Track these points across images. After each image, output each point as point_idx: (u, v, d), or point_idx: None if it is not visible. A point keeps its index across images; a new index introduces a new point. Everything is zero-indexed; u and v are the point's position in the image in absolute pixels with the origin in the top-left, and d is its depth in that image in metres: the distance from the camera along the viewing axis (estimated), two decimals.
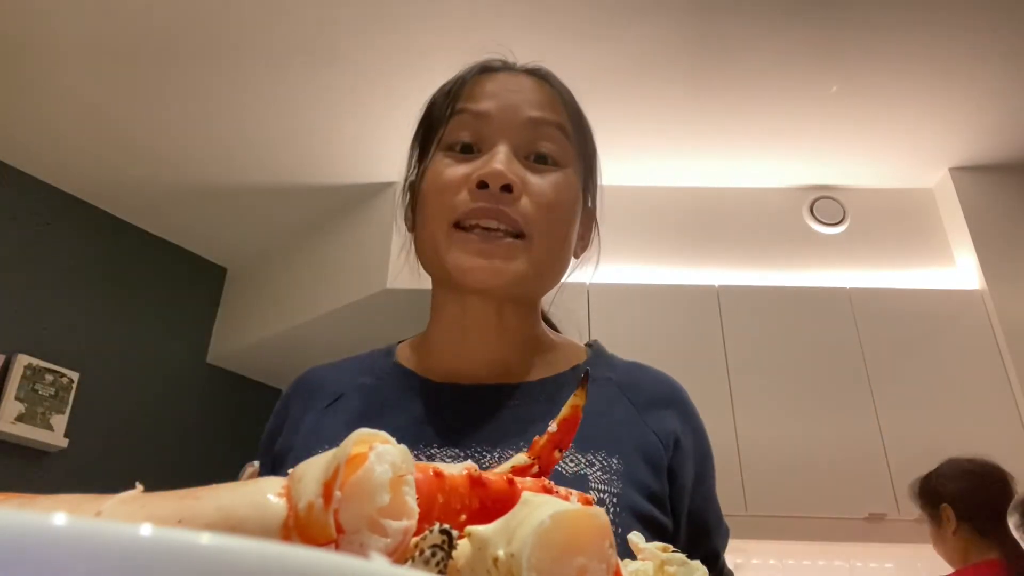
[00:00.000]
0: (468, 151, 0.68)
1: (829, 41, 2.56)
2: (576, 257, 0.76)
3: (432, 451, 0.64)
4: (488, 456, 0.63)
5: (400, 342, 0.80)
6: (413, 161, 0.75)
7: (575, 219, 0.71)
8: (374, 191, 3.26)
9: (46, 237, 3.22)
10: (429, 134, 0.73)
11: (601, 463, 0.62)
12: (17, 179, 3.17)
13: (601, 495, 0.60)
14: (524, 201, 0.65)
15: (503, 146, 0.66)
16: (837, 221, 3.15)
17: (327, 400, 0.72)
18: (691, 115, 2.89)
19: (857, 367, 2.74)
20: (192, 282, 3.71)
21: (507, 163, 0.64)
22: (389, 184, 3.22)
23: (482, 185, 0.64)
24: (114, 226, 3.46)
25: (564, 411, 0.42)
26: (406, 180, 0.76)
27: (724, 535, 0.74)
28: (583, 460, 0.62)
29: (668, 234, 3.15)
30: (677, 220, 3.18)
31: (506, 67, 0.74)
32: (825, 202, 3.18)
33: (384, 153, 3.05)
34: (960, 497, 1.88)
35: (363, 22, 2.52)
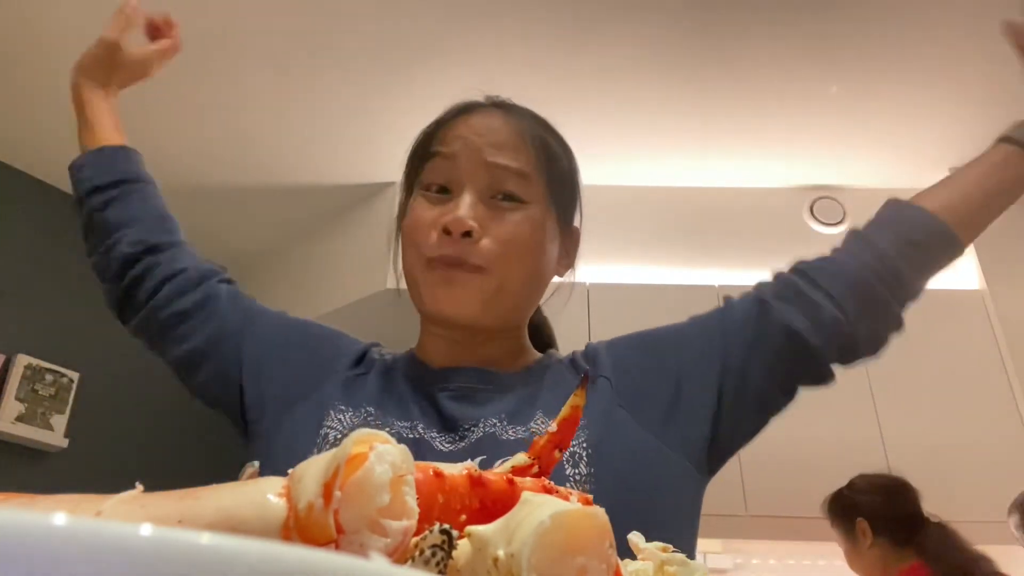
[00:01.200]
0: (443, 191, 0.76)
1: (829, 41, 2.56)
2: (560, 275, 0.84)
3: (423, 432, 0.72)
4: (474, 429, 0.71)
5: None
6: (402, 199, 0.84)
7: (540, 249, 0.76)
8: (374, 191, 3.26)
9: (46, 237, 3.22)
10: (411, 176, 0.81)
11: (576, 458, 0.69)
12: (17, 179, 3.17)
13: (574, 449, 0.67)
14: (485, 242, 0.72)
15: (468, 192, 0.74)
16: (837, 221, 3.15)
17: (355, 371, 0.80)
18: (691, 115, 2.89)
19: (857, 367, 2.74)
20: None
21: (469, 209, 0.72)
22: (389, 184, 3.22)
23: (446, 231, 0.72)
24: None
25: (564, 411, 0.42)
26: (399, 217, 0.84)
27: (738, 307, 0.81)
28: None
29: (668, 234, 3.15)
30: (677, 220, 3.18)
31: (479, 106, 0.81)
32: (825, 202, 3.18)
33: (384, 153, 3.05)
34: (875, 511, 1.92)
35: (363, 22, 2.52)
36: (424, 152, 0.79)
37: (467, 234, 0.72)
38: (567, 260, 0.85)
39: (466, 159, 0.75)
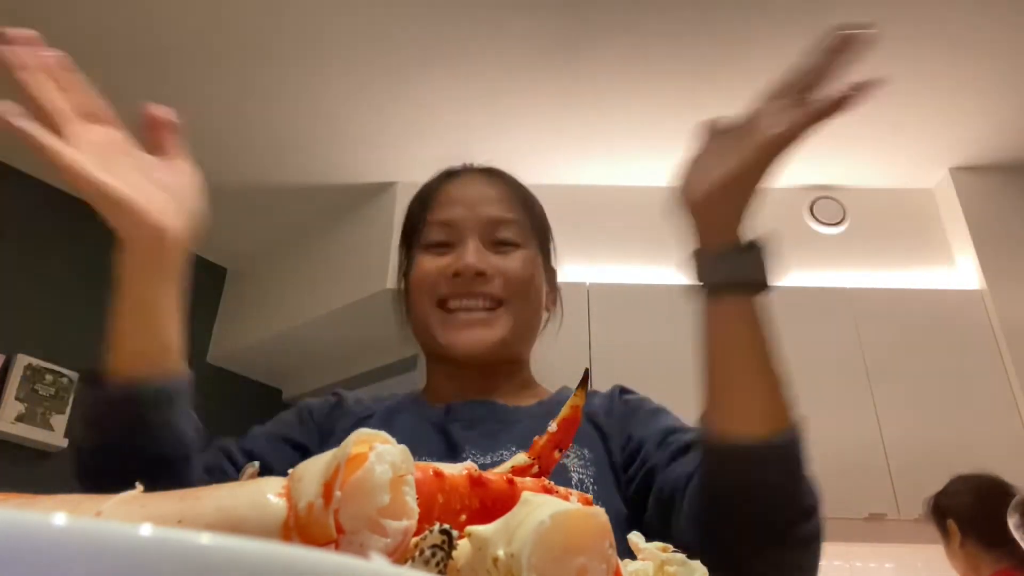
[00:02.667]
0: (444, 246, 0.83)
1: None
2: (548, 311, 0.91)
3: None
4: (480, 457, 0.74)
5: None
6: (402, 258, 0.90)
7: (541, 284, 0.86)
8: (374, 191, 3.26)
9: (46, 237, 3.22)
10: (410, 236, 0.88)
11: (576, 452, 0.73)
12: (17, 180, 3.17)
13: (581, 477, 0.71)
14: (496, 281, 0.80)
15: (472, 241, 0.81)
16: (837, 221, 3.15)
17: (355, 419, 0.82)
18: (691, 115, 2.88)
19: (857, 367, 2.74)
20: (192, 282, 3.70)
21: (476, 254, 0.80)
22: (389, 184, 3.22)
23: (456, 275, 0.80)
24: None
25: (564, 411, 0.42)
26: (399, 280, 0.90)
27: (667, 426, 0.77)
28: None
29: (668, 234, 3.14)
30: (677, 220, 3.18)
31: (465, 170, 0.90)
32: (825, 202, 3.18)
33: (384, 153, 3.05)
34: (963, 511, 1.94)
35: (363, 23, 2.52)
36: (421, 218, 0.86)
37: (479, 274, 0.79)
38: (552, 296, 0.92)
39: (464, 215, 0.83)
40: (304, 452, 0.78)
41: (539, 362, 0.91)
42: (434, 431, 0.78)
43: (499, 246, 0.83)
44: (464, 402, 0.81)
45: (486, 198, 0.84)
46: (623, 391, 0.85)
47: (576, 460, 0.72)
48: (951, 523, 1.93)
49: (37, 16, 2.48)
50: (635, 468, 0.73)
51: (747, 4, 2.43)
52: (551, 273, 0.92)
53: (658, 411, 0.81)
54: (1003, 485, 1.94)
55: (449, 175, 0.89)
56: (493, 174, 0.90)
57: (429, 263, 0.82)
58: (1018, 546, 1.76)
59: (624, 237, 3.12)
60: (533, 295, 0.84)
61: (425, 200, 0.87)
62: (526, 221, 0.86)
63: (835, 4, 2.42)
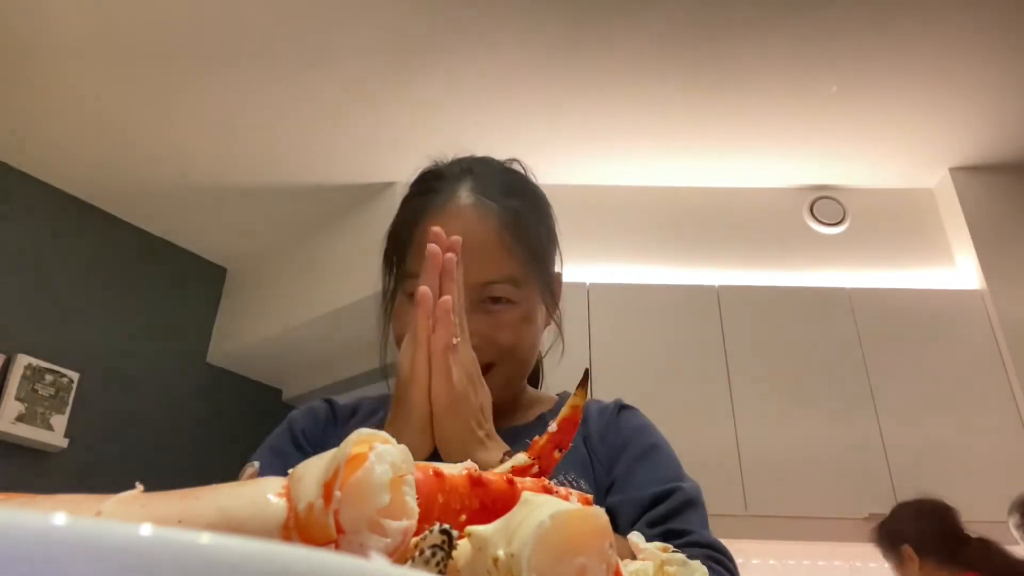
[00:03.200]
0: None
1: (829, 41, 2.56)
2: (549, 323, 0.85)
3: None
4: None
5: None
6: (386, 281, 0.84)
7: (536, 335, 0.79)
8: (374, 191, 3.25)
9: (46, 237, 3.22)
10: (391, 257, 0.84)
11: (570, 484, 0.70)
12: (18, 180, 3.17)
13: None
14: (485, 349, 0.72)
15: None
16: (837, 221, 3.15)
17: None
18: (691, 115, 2.89)
19: (857, 367, 2.74)
20: (192, 282, 3.71)
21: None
22: (389, 184, 3.22)
23: None
24: (114, 226, 3.46)
25: (564, 411, 0.42)
26: (385, 296, 0.84)
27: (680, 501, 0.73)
28: (554, 481, 0.68)
29: (668, 234, 3.15)
30: (677, 220, 3.18)
31: (453, 195, 0.78)
32: (825, 202, 3.18)
33: (384, 154, 3.05)
34: (917, 535, 1.99)
35: (364, 23, 2.52)
36: (401, 263, 0.80)
37: None
38: (553, 307, 0.84)
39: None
40: None
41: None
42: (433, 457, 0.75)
43: (491, 302, 0.75)
44: None
45: (476, 250, 0.73)
46: (622, 408, 0.81)
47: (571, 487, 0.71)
48: (907, 548, 1.98)
49: (37, 16, 2.48)
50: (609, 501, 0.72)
51: (747, 4, 2.43)
52: (553, 296, 0.84)
53: (648, 453, 0.77)
54: (946, 505, 2.03)
55: (435, 198, 0.79)
56: (487, 204, 0.78)
57: (408, 313, 0.73)
58: (971, 556, 1.85)
59: (624, 237, 3.12)
60: (527, 349, 0.78)
61: (409, 230, 0.80)
62: (525, 266, 0.77)
63: (835, 4, 2.42)
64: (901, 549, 1.98)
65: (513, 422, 0.79)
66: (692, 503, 0.72)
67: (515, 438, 0.75)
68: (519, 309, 0.77)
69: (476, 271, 0.73)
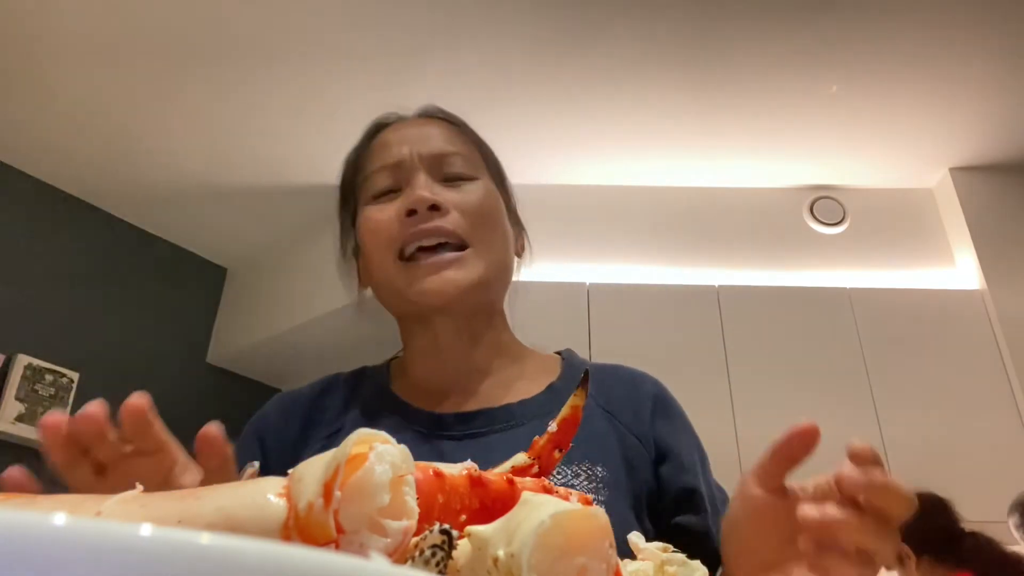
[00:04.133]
0: (390, 193, 0.74)
1: (829, 41, 2.55)
2: (519, 256, 0.81)
3: None
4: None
5: (392, 359, 0.83)
6: (345, 226, 0.83)
7: (504, 220, 0.77)
8: None
9: (46, 237, 3.22)
10: (348, 198, 0.81)
11: (587, 473, 0.65)
12: (17, 180, 3.17)
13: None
14: (454, 215, 0.71)
15: (420, 175, 0.73)
16: (837, 221, 3.15)
17: (327, 431, 0.74)
18: (691, 115, 2.89)
19: (857, 367, 2.74)
20: (192, 282, 3.71)
21: (428, 187, 0.72)
22: None
23: (411, 213, 0.71)
24: (114, 226, 3.46)
25: (564, 411, 0.42)
26: (344, 247, 0.83)
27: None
28: (569, 472, 0.64)
29: (668, 234, 3.15)
30: (678, 220, 3.18)
31: (399, 118, 0.82)
32: (825, 202, 3.18)
33: None
34: (912, 533, 1.97)
35: (364, 23, 2.52)
36: (359, 173, 0.78)
37: (434, 208, 0.70)
38: (519, 242, 0.82)
39: (407, 154, 0.75)
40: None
41: None
42: (422, 443, 0.69)
43: (450, 182, 0.74)
44: (457, 414, 0.71)
45: (428, 135, 0.76)
46: (660, 400, 0.75)
47: (585, 481, 0.64)
48: (903, 547, 1.96)
49: (37, 17, 2.48)
50: (684, 520, 0.67)
51: (747, 4, 2.43)
52: (512, 213, 0.82)
53: (705, 461, 0.73)
54: (939, 499, 2.00)
55: (380, 126, 0.82)
56: (430, 114, 0.82)
57: (378, 213, 0.73)
58: (966, 552, 1.84)
59: (624, 237, 3.12)
60: (500, 231, 0.75)
61: (359, 154, 0.80)
62: (475, 153, 0.78)
63: (835, 4, 2.42)
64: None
65: (523, 393, 0.73)
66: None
67: (525, 414, 0.70)
68: (481, 184, 0.75)
69: (429, 145, 0.75)
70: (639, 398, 0.74)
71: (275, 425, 0.75)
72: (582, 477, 0.64)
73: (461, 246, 0.71)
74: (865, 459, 0.44)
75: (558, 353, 0.82)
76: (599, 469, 0.66)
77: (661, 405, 0.75)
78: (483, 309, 0.75)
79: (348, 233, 0.82)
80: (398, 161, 0.74)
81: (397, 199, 0.73)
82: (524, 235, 0.84)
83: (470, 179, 0.75)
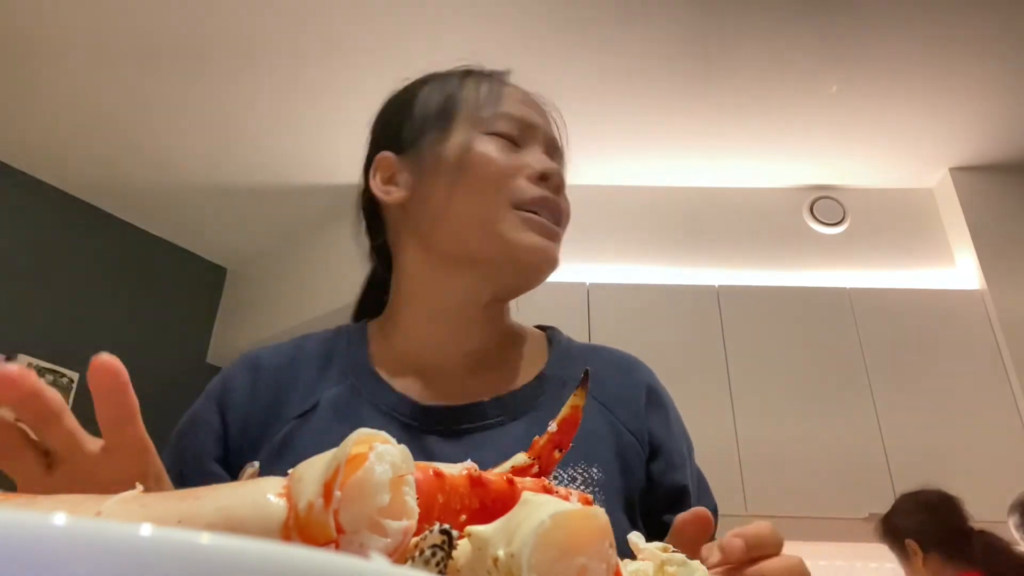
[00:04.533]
0: (512, 143, 0.71)
1: (829, 41, 2.56)
2: None
3: None
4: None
5: (367, 321, 0.78)
6: (430, 134, 0.74)
7: None
8: None
9: (46, 237, 3.22)
10: (451, 115, 0.73)
11: (583, 476, 0.64)
12: (18, 180, 3.18)
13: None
14: (563, 205, 0.72)
15: (543, 151, 0.72)
16: (837, 221, 3.15)
17: (300, 408, 0.68)
18: (691, 115, 2.89)
19: (857, 367, 2.74)
20: (192, 282, 3.71)
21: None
22: None
23: (543, 178, 0.69)
24: (114, 226, 3.46)
25: (564, 411, 0.42)
26: (390, 149, 0.76)
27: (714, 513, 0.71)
28: (565, 476, 0.63)
29: (668, 234, 3.15)
30: (678, 220, 3.18)
31: (524, 91, 0.80)
32: (825, 202, 3.18)
33: None
34: (921, 529, 1.97)
35: (364, 23, 2.52)
36: (489, 103, 0.73)
37: (558, 189, 0.71)
38: None
39: (543, 129, 0.74)
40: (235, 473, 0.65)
41: None
42: (409, 438, 0.62)
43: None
44: (446, 407, 0.68)
45: (551, 125, 0.76)
46: (653, 392, 0.74)
47: (581, 485, 0.63)
48: (910, 543, 1.96)
49: (36, 17, 2.48)
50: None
51: (747, 4, 2.43)
52: None
53: (689, 449, 0.74)
54: (949, 497, 2.00)
55: (505, 77, 0.80)
56: (553, 109, 0.81)
57: (505, 155, 0.70)
58: (976, 550, 1.83)
59: (624, 237, 3.12)
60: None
61: (493, 86, 0.76)
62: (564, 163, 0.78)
63: (835, 4, 2.42)
64: (905, 543, 1.96)
65: (512, 382, 0.70)
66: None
67: (518, 408, 0.68)
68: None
69: (553, 130, 0.75)
70: (633, 388, 0.73)
71: (240, 399, 0.69)
72: (578, 481, 0.63)
73: (561, 227, 0.72)
74: (736, 554, 0.43)
75: (542, 329, 0.79)
76: (595, 471, 0.64)
77: (653, 396, 0.73)
78: (513, 294, 0.74)
79: (431, 130, 0.73)
80: (532, 124, 0.73)
81: (520, 153, 0.71)
82: None
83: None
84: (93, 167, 3.18)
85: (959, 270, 3.02)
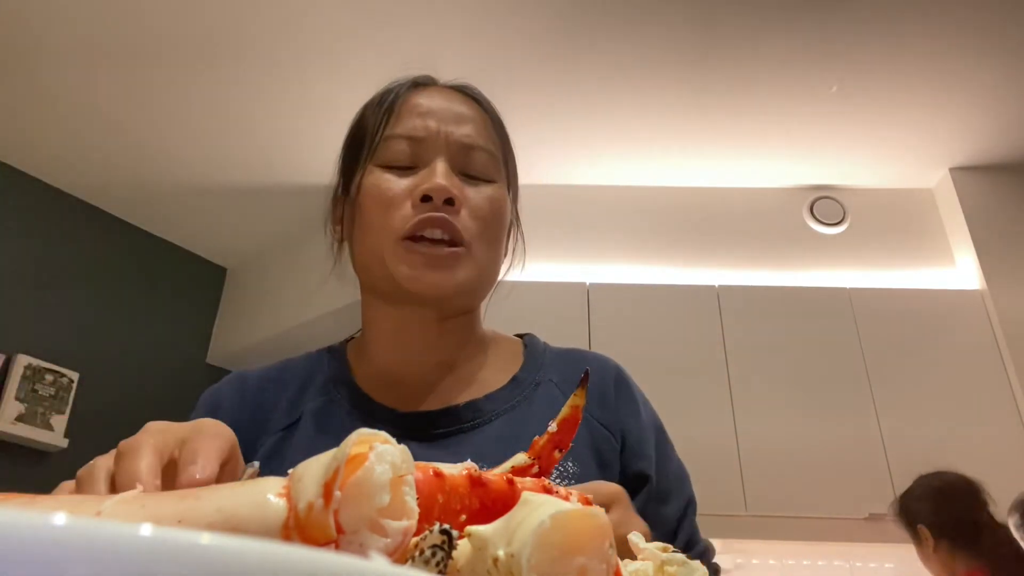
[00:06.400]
0: (405, 169, 0.71)
1: (829, 41, 2.55)
2: (504, 256, 0.79)
3: None
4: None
5: (347, 340, 0.81)
6: (344, 173, 0.77)
7: (504, 229, 0.75)
8: None
9: (46, 237, 3.22)
10: (359, 149, 0.75)
11: (559, 470, 0.65)
12: (17, 180, 3.17)
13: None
14: (464, 213, 0.69)
15: (441, 163, 0.69)
16: (837, 221, 3.15)
17: (285, 422, 0.71)
18: (691, 115, 2.89)
19: (857, 367, 2.74)
20: (192, 282, 3.71)
21: (447, 177, 0.68)
22: None
23: (426, 198, 0.67)
24: (114, 226, 3.46)
25: (564, 411, 0.42)
26: (335, 190, 0.79)
27: (685, 501, 0.72)
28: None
29: (668, 234, 3.15)
30: (678, 220, 3.18)
31: (432, 83, 0.78)
32: (825, 202, 3.18)
33: None
34: (932, 516, 1.93)
35: (364, 24, 2.52)
36: (379, 128, 0.72)
37: (448, 201, 0.67)
38: (508, 243, 0.80)
39: (435, 132, 0.71)
40: None
41: None
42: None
43: (469, 178, 0.71)
44: (421, 413, 0.70)
45: (461, 117, 0.73)
46: (620, 381, 0.75)
47: (557, 479, 0.64)
48: (922, 528, 1.93)
49: (36, 17, 2.48)
50: (637, 505, 0.67)
51: (747, 4, 2.43)
52: (514, 216, 0.80)
53: (661, 440, 0.74)
54: (966, 483, 1.96)
55: (416, 85, 0.77)
56: (468, 92, 0.78)
57: (391, 183, 0.69)
58: (987, 544, 1.79)
59: (624, 237, 3.12)
60: (498, 242, 0.73)
61: (386, 108, 0.74)
62: (499, 152, 0.75)
63: (835, 4, 2.42)
64: (917, 528, 1.94)
65: (487, 386, 0.72)
66: (694, 508, 0.72)
67: (493, 410, 0.69)
68: (496, 189, 0.72)
69: (460, 130, 0.71)
70: (604, 384, 0.74)
71: (229, 413, 0.70)
72: (554, 475, 0.64)
73: (459, 242, 0.68)
74: None
75: (519, 336, 0.80)
76: (570, 465, 0.65)
77: (623, 388, 0.75)
78: (461, 309, 0.73)
79: (345, 186, 0.77)
80: (424, 137, 0.71)
81: (411, 175, 0.69)
82: (520, 236, 0.82)
83: (488, 181, 0.72)
84: (93, 167, 3.18)
85: (959, 270, 3.02)
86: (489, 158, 0.73)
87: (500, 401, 0.71)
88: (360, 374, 0.75)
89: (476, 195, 0.70)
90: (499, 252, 0.74)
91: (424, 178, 0.68)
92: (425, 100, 0.74)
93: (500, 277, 0.77)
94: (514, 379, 0.73)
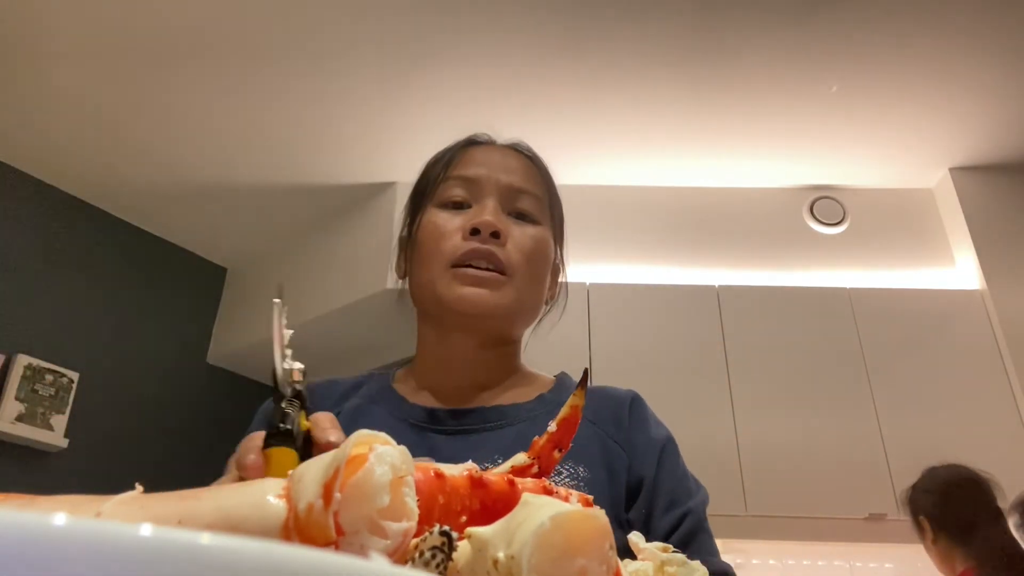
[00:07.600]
0: (459, 207, 0.80)
1: (829, 41, 2.55)
2: (546, 304, 0.87)
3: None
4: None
5: (399, 367, 0.88)
6: (409, 214, 0.86)
7: (548, 267, 0.83)
8: (374, 191, 3.25)
9: (46, 237, 3.22)
10: (422, 194, 0.84)
11: (569, 471, 0.69)
12: (17, 180, 3.17)
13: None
14: (509, 247, 0.77)
15: (491, 201, 0.79)
16: (837, 221, 3.15)
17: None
18: (691, 115, 2.89)
19: (857, 367, 2.74)
20: (192, 282, 3.71)
21: (495, 214, 0.78)
22: (389, 184, 3.22)
23: (474, 231, 0.76)
24: (114, 226, 3.46)
25: (564, 411, 0.42)
26: (401, 235, 0.88)
27: (697, 503, 0.74)
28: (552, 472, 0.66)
29: (668, 234, 3.15)
30: (678, 220, 3.18)
31: (491, 141, 0.88)
32: (825, 202, 3.18)
33: (384, 153, 3.05)
34: (932, 509, 1.94)
35: (364, 24, 2.52)
36: (440, 174, 0.82)
37: (494, 235, 0.76)
38: (551, 291, 0.87)
39: (488, 178, 0.80)
40: None
41: (539, 362, 0.91)
42: (413, 433, 0.74)
43: (517, 217, 0.80)
44: (450, 409, 0.77)
45: (511, 167, 0.82)
46: (635, 403, 0.80)
47: (568, 479, 0.69)
48: (923, 520, 1.93)
49: (36, 16, 2.48)
50: (635, 513, 0.70)
51: (747, 4, 2.43)
52: (557, 268, 0.88)
53: (666, 453, 0.76)
54: (970, 478, 1.96)
55: (474, 141, 0.88)
56: (519, 148, 0.88)
57: (445, 220, 0.79)
58: (976, 543, 1.79)
59: (624, 237, 3.12)
60: (539, 277, 0.81)
61: (446, 159, 0.85)
62: (545, 199, 0.84)
63: (835, 4, 2.42)
64: (919, 519, 1.95)
65: (515, 399, 0.79)
66: (700, 526, 0.72)
67: (516, 416, 0.76)
68: (541, 231, 0.81)
69: (509, 177, 0.81)
70: (619, 407, 0.79)
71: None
72: (564, 475, 0.68)
73: (503, 272, 0.76)
74: None
75: (556, 377, 0.87)
76: (581, 469, 0.70)
77: (635, 409, 0.79)
78: (501, 337, 0.80)
79: (409, 224, 0.86)
80: (476, 178, 0.80)
81: (464, 213, 0.79)
82: (560, 288, 0.89)
83: (533, 222, 0.81)
84: (93, 167, 3.18)
85: (959, 270, 3.02)
86: (536, 202, 0.82)
87: (525, 410, 0.77)
88: (401, 386, 0.82)
89: (521, 233, 0.79)
90: (540, 289, 0.82)
91: (475, 214, 0.78)
92: (479, 152, 0.84)
93: (540, 315, 0.85)
94: (540, 396, 0.79)
